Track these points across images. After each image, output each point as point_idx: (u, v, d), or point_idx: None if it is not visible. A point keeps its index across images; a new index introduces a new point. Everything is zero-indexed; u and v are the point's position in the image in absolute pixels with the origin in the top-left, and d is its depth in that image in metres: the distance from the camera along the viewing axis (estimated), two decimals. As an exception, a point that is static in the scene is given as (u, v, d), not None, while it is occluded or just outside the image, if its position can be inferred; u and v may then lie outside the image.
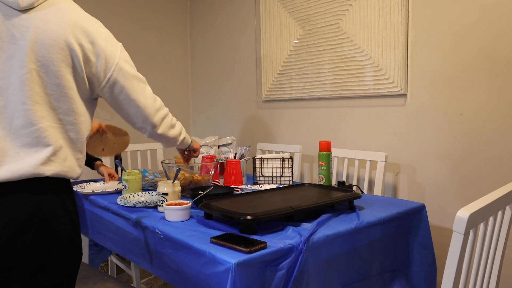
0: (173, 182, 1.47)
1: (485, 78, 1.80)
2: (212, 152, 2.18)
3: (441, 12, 1.91)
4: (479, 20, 1.79)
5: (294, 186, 1.68)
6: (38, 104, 1.01)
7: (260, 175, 1.98)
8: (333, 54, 2.35)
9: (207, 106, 3.44)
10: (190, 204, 1.37)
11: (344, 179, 2.18)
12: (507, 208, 1.08)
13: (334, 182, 2.04)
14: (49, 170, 1.01)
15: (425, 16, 1.96)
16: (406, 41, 2.03)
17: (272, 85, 2.75)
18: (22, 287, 0.99)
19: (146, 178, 1.93)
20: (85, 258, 2.01)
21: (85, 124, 1.12)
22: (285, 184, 1.94)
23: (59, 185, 1.06)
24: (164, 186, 1.46)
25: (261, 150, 2.70)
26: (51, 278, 1.04)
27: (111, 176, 2.04)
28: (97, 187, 1.94)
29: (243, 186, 1.85)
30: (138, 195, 1.69)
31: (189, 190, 1.63)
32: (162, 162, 1.75)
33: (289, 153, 2.03)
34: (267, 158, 1.97)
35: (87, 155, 2.12)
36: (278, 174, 1.96)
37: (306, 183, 1.71)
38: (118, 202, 1.57)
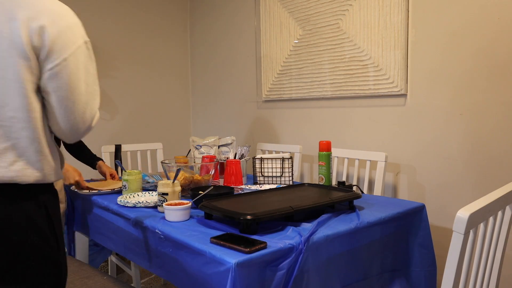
0: (173, 182, 1.47)
1: (485, 78, 1.80)
2: (212, 152, 2.18)
3: (441, 12, 1.91)
4: (479, 20, 1.79)
5: (294, 186, 1.68)
6: None
7: (260, 175, 1.98)
8: (333, 54, 2.35)
9: (207, 106, 3.44)
10: (190, 204, 1.37)
11: (344, 179, 2.18)
12: (507, 208, 1.08)
13: (334, 182, 2.04)
14: None
15: (425, 16, 1.96)
16: (406, 41, 2.03)
17: (272, 85, 2.75)
18: None
19: (146, 182, 1.93)
20: (85, 258, 2.01)
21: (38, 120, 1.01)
22: (285, 184, 1.95)
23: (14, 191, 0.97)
24: (164, 186, 1.46)
25: (261, 150, 2.70)
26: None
27: (112, 176, 2.04)
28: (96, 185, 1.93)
29: (243, 186, 1.85)
30: (138, 195, 1.70)
31: (189, 190, 1.63)
32: (162, 162, 1.76)
33: (289, 153, 2.03)
34: (267, 158, 1.97)
35: (89, 153, 2.12)
36: (278, 174, 1.96)
37: (306, 183, 1.71)
38: (118, 202, 1.57)
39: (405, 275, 1.50)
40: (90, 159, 2.11)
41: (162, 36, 3.40)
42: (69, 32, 0.99)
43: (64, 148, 2.12)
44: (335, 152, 2.21)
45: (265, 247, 1.06)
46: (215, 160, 1.89)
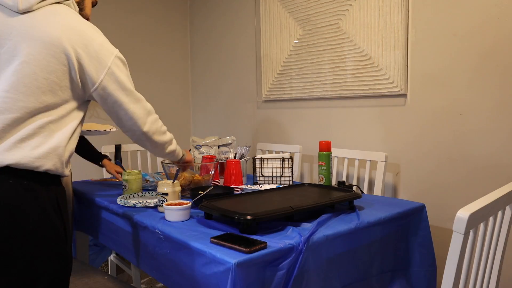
0: (173, 182, 1.47)
1: (485, 78, 1.80)
2: (212, 152, 2.18)
3: (441, 12, 1.91)
4: (479, 20, 1.79)
5: (294, 186, 1.68)
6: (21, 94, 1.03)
7: (260, 175, 1.98)
8: (333, 54, 2.35)
9: (207, 106, 3.44)
10: (190, 204, 1.37)
11: (344, 179, 2.18)
12: (507, 208, 1.08)
13: (334, 182, 2.04)
14: (13, 159, 0.99)
15: (425, 16, 1.96)
16: (406, 41, 2.03)
17: (272, 85, 2.75)
18: None
19: (146, 180, 1.93)
20: (85, 258, 2.01)
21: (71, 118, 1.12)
22: (285, 184, 1.95)
23: (30, 178, 1.02)
24: (164, 186, 1.46)
25: (261, 150, 2.70)
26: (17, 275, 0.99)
27: (118, 174, 2.03)
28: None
29: (243, 186, 1.85)
30: (138, 195, 1.70)
31: (189, 190, 1.64)
32: (162, 162, 1.76)
33: (289, 153, 2.03)
34: (267, 158, 1.97)
35: (92, 150, 2.11)
36: (278, 174, 1.96)
37: (306, 183, 1.71)
38: (118, 202, 1.57)
39: (405, 275, 1.50)
40: (94, 157, 2.10)
41: (162, 36, 3.40)
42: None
43: None
44: (335, 152, 2.21)
45: (265, 247, 1.06)
46: (215, 160, 1.89)
